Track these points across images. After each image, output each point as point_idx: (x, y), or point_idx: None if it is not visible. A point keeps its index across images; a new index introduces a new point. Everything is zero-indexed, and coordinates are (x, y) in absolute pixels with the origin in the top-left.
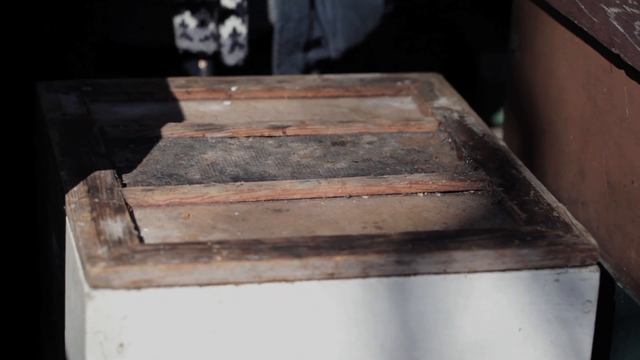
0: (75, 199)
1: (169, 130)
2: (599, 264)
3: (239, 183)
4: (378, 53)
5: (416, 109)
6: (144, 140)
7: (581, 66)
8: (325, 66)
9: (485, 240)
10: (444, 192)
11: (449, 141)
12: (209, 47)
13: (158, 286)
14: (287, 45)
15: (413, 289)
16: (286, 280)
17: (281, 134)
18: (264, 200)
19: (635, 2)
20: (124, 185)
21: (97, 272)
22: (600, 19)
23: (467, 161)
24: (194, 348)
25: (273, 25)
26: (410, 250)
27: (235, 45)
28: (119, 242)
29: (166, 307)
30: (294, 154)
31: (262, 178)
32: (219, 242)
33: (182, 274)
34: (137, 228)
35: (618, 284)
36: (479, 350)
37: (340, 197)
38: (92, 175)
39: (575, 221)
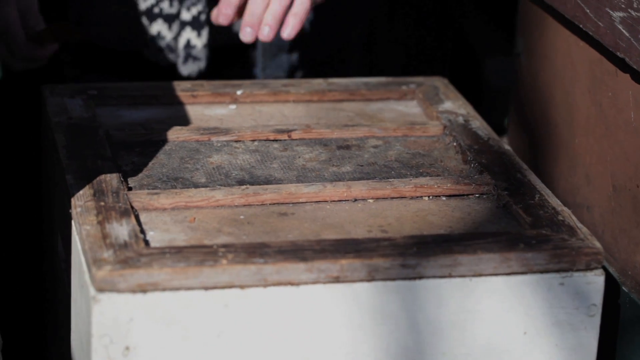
0: (81, 202)
1: (175, 134)
2: (604, 268)
3: (244, 186)
4: (383, 57)
5: (421, 113)
6: (149, 143)
7: (586, 70)
8: (309, 66)
9: (490, 244)
10: (449, 196)
11: (454, 145)
12: (164, 59)
13: (164, 289)
14: (270, 48)
15: (418, 293)
16: (292, 284)
17: (286, 138)
18: (270, 204)
19: None
20: (130, 189)
21: (103, 276)
22: (605, 23)
23: (472, 165)
24: (199, 351)
25: None
26: (415, 254)
27: (188, 57)
28: (125, 245)
29: (172, 311)
30: (299, 157)
31: (268, 182)
32: (225, 246)
33: (188, 277)
34: (142, 231)
35: (623, 288)
36: (484, 354)
37: (345, 200)
38: (97, 178)
39: (580, 225)
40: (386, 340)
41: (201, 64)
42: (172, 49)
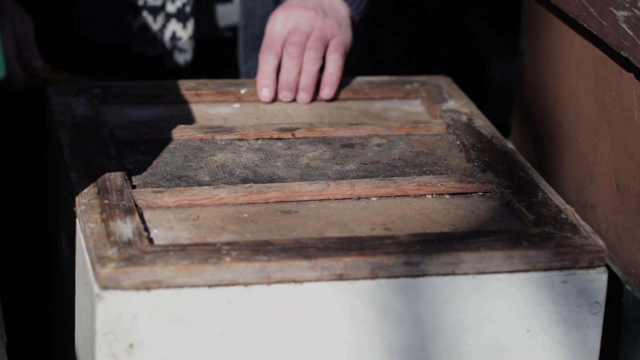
0: (85, 200)
1: (179, 133)
2: (607, 266)
3: (248, 185)
4: (387, 56)
5: (425, 112)
6: (153, 142)
7: (590, 69)
8: None
9: (493, 242)
10: (453, 194)
11: (458, 143)
12: (151, 50)
13: (167, 287)
14: (252, 42)
15: (421, 290)
16: (295, 281)
17: (290, 136)
18: (273, 202)
19: None
20: (134, 187)
21: (107, 273)
22: (609, 22)
23: (476, 163)
24: (203, 349)
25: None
26: (418, 252)
27: (174, 48)
28: (129, 243)
29: (175, 308)
30: (303, 156)
31: (271, 180)
32: (228, 244)
33: (192, 274)
34: (146, 229)
35: (627, 286)
36: (487, 352)
37: (349, 198)
38: (102, 177)
39: (583, 223)
40: (389, 337)
41: (187, 56)
42: (158, 41)
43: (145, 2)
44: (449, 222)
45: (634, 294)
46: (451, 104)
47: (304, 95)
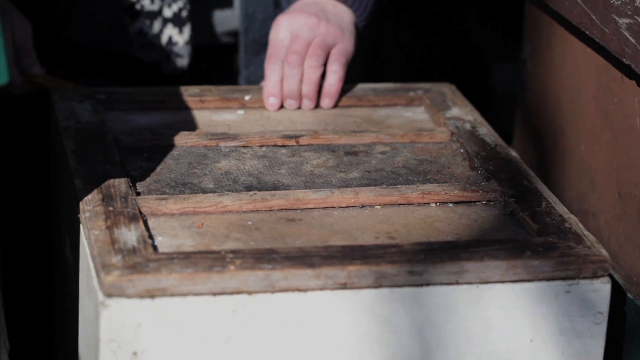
0: (89, 207)
1: (183, 139)
2: (610, 276)
3: (252, 192)
4: (389, 63)
5: (428, 119)
6: (157, 149)
7: (592, 76)
8: None
9: (497, 251)
10: (456, 203)
11: (461, 151)
12: (149, 55)
13: (172, 295)
14: (253, 46)
15: (425, 299)
16: (299, 290)
17: (294, 144)
18: (277, 210)
19: None
20: (138, 194)
21: (111, 281)
22: (611, 29)
23: (480, 172)
24: (207, 357)
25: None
26: (422, 261)
27: (171, 54)
28: (133, 250)
29: (180, 316)
30: (307, 163)
31: (276, 187)
32: (233, 252)
33: (196, 282)
34: (151, 237)
35: (629, 295)
36: None
37: (353, 207)
38: (106, 183)
39: (587, 232)
40: (392, 347)
41: (184, 61)
42: (155, 46)
43: (143, 7)
44: (452, 231)
45: (636, 302)
46: (455, 111)
47: (307, 103)
